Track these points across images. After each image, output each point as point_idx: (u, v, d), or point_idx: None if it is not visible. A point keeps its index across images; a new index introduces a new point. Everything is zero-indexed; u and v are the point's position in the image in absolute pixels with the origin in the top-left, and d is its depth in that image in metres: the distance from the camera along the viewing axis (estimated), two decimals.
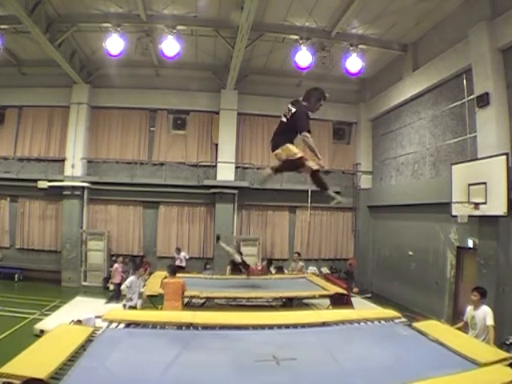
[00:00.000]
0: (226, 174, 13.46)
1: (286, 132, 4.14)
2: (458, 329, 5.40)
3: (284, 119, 4.18)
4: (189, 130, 14.16)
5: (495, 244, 7.86)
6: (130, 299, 7.65)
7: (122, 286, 7.91)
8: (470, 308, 5.49)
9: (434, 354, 4.07)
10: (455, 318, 8.60)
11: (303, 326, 4.97)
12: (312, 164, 3.97)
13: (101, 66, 13.24)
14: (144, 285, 8.37)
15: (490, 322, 5.09)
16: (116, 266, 10.36)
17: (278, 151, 4.15)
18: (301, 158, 3.95)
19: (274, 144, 4.27)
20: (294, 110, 4.15)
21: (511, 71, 7.99)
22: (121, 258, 10.85)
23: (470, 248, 8.87)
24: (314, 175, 4.14)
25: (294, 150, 4.02)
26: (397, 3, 9.34)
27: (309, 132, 4.01)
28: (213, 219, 13.57)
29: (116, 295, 9.60)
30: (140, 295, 7.93)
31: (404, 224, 11.82)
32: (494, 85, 8.04)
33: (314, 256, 14.09)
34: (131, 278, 7.81)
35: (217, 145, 13.76)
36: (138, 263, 9.81)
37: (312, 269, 13.26)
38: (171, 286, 7.09)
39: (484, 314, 5.18)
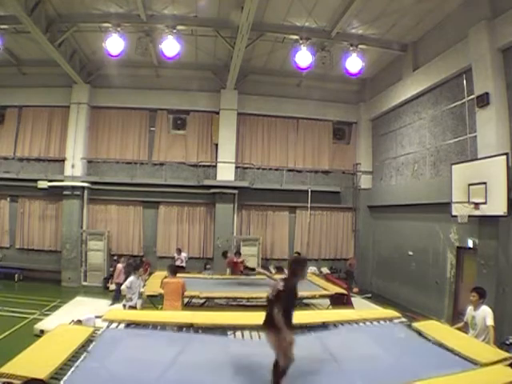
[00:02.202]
0: (225, 173, 13.47)
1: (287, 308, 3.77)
2: (458, 329, 5.40)
3: (271, 297, 3.79)
4: (189, 130, 14.16)
5: (495, 244, 7.86)
6: (130, 299, 7.63)
7: (122, 287, 7.91)
8: (470, 308, 5.48)
9: (433, 354, 4.08)
10: (455, 318, 8.60)
11: (303, 325, 4.97)
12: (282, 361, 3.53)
13: (101, 66, 13.25)
14: (144, 285, 8.38)
15: (490, 322, 5.09)
16: (119, 265, 10.31)
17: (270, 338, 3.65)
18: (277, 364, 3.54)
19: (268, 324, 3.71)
20: (282, 285, 3.82)
21: (511, 71, 7.99)
22: (123, 258, 10.80)
23: (470, 248, 8.87)
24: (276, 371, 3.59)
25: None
26: (397, 3, 9.34)
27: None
28: (213, 219, 13.57)
29: (117, 296, 9.59)
30: (140, 295, 7.93)
31: (404, 224, 11.82)
32: (494, 85, 8.04)
33: (314, 256, 14.09)
34: (131, 278, 7.79)
35: (217, 145, 13.77)
36: (139, 263, 9.79)
37: (312, 269, 13.25)
38: (171, 285, 7.09)
39: (484, 314, 5.18)
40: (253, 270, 9.18)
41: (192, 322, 4.84)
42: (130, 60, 12.08)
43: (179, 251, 12.50)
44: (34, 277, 12.74)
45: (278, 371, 3.55)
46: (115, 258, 12.01)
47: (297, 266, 3.94)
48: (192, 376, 3.57)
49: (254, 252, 13.18)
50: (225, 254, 11.51)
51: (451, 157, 9.72)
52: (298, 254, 12.33)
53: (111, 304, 9.21)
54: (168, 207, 13.79)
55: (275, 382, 3.54)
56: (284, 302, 3.70)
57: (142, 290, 8.00)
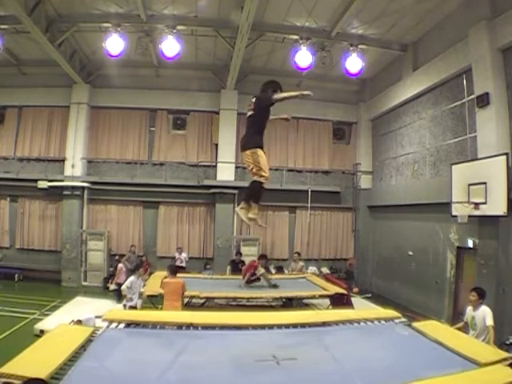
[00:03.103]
0: (225, 173, 13.47)
1: (254, 126, 4.27)
2: (458, 329, 5.40)
3: (249, 113, 4.29)
4: (189, 130, 14.16)
5: (495, 244, 7.86)
6: (131, 299, 7.64)
7: (123, 287, 7.88)
8: (469, 308, 5.49)
9: (433, 354, 4.07)
10: (455, 317, 8.60)
11: (303, 325, 4.97)
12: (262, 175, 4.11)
13: (101, 66, 13.25)
14: (144, 285, 8.37)
15: (490, 322, 5.09)
16: (120, 265, 10.26)
17: (247, 153, 4.15)
18: (261, 182, 4.10)
19: (244, 143, 4.25)
20: (254, 99, 4.28)
21: (511, 71, 7.99)
22: (124, 258, 10.74)
23: (470, 248, 8.87)
24: (258, 186, 4.24)
25: (262, 161, 4.13)
26: (397, 3, 9.34)
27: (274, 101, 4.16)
28: (213, 219, 13.57)
29: (118, 295, 9.53)
30: (140, 295, 7.92)
31: (404, 224, 11.82)
32: (494, 85, 8.04)
33: (314, 256, 14.09)
34: (131, 278, 7.80)
35: (217, 145, 13.77)
36: (139, 263, 9.74)
37: (312, 269, 13.25)
38: (171, 285, 7.09)
39: (483, 315, 5.18)
40: (258, 279, 9.10)
41: (192, 322, 4.83)
42: (130, 60, 12.07)
43: (180, 250, 12.51)
44: (33, 277, 12.75)
45: (254, 187, 4.17)
46: (117, 257, 11.95)
47: (269, 84, 4.30)
48: (192, 376, 3.57)
49: (253, 252, 13.15)
50: (237, 262, 11.44)
51: (451, 157, 9.72)
52: (298, 254, 12.33)
53: (117, 302, 9.14)
54: (168, 207, 13.79)
55: (252, 196, 4.20)
56: (256, 119, 4.24)
57: (142, 290, 8.00)
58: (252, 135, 4.25)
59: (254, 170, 4.14)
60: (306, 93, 4.19)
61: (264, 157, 4.18)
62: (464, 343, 4.27)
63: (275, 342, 4.49)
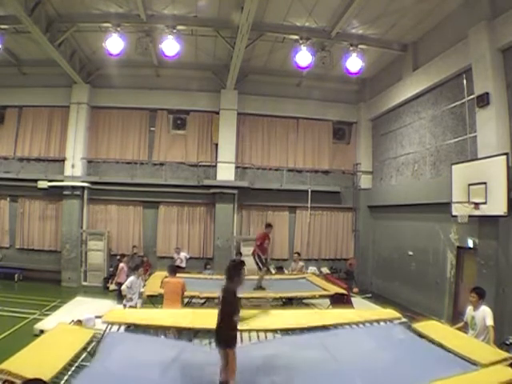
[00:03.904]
0: (225, 173, 13.46)
1: (228, 316, 3.69)
2: (458, 329, 5.40)
3: (219, 306, 3.86)
4: (189, 130, 14.16)
5: (495, 244, 7.86)
6: (130, 299, 7.62)
7: (123, 287, 7.85)
8: (469, 308, 5.48)
9: (434, 354, 4.07)
10: (455, 318, 8.59)
11: (303, 325, 4.97)
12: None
13: (101, 65, 13.25)
14: (144, 285, 8.36)
15: (490, 322, 5.09)
16: (121, 265, 10.21)
17: (220, 350, 3.72)
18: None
19: (219, 340, 3.74)
20: (223, 291, 3.86)
21: (511, 71, 7.98)
22: (126, 258, 10.66)
23: (470, 248, 8.87)
24: None
25: (232, 363, 3.61)
26: (397, 3, 9.34)
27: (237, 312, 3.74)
28: (213, 219, 13.57)
29: (118, 296, 9.47)
30: (140, 295, 7.92)
31: (404, 224, 11.82)
32: (494, 85, 8.04)
33: (314, 256, 14.09)
34: (131, 278, 7.77)
35: (217, 145, 13.76)
36: (139, 263, 9.69)
37: (312, 269, 13.25)
38: (171, 285, 7.09)
39: (483, 315, 5.18)
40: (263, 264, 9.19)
41: (192, 321, 4.83)
42: (130, 60, 12.07)
43: (178, 250, 12.49)
44: (33, 277, 12.73)
45: None
46: (118, 257, 11.83)
47: (233, 271, 3.87)
48: (192, 376, 3.57)
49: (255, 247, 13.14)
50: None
51: (451, 157, 9.71)
52: (298, 254, 12.34)
53: (118, 303, 9.08)
54: (168, 207, 13.79)
55: None
56: (226, 310, 3.68)
57: (142, 290, 7.99)
58: (226, 331, 3.67)
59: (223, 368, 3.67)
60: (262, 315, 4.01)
61: (235, 359, 3.62)
62: (464, 343, 4.28)
63: (275, 342, 4.49)
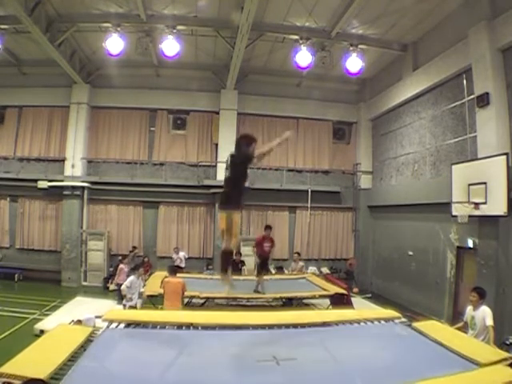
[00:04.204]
0: (225, 174, 13.45)
1: (235, 184, 4.00)
2: (458, 329, 5.40)
3: (226, 172, 4.19)
4: (189, 130, 14.16)
5: (495, 244, 7.86)
6: (130, 299, 7.62)
7: (122, 287, 7.84)
8: (469, 308, 5.49)
9: (433, 354, 4.07)
10: (455, 318, 8.60)
11: (303, 326, 4.96)
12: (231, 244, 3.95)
13: (101, 66, 13.25)
14: (144, 285, 8.37)
15: (490, 322, 5.09)
16: (121, 266, 10.12)
17: (223, 214, 3.97)
18: (231, 251, 3.97)
19: (224, 203, 4.02)
20: (230, 158, 4.11)
21: (511, 71, 7.99)
22: (127, 259, 10.62)
23: (470, 248, 8.87)
24: (229, 256, 4.12)
25: (235, 227, 3.91)
26: (397, 3, 9.34)
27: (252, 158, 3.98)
28: (213, 219, 13.57)
29: (119, 296, 9.42)
30: (140, 295, 7.92)
31: (404, 224, 11.82)
32: (494, 85, 8.04)
33: (314, 256, 14.09)
34: (131, 278, 7.78)
35: (217, 145, 13.77)
36: (139, 263, 9.69)
37: (312, 269, 13.25)
38: (171, 285, 7.09)
39: (483, 315, 5.18)
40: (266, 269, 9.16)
41: (192, 322, 4.83)
42: (130, 60, 12.07)
43: (177, 250, 12.49)
44: (33, 277, 12.73)
45: (226, 254, 3.98)
46: (120, 258, 11.75)
47: (241, 139, 4.13)
48: (192, 376, 3.57)
49: (253, 250, 13.15)
50: (237, 262, 11.25)
51: (451, 157, 9.72)
52: (298, 254, 12.33)
53: (118, 303, 9.03)
54: (168, 207, 13.79)
55: (223, 266, 4.03)
56: (235, 177, 4.01)
57: (142, 290, 7.99)
58: (231, 195, 3.98)
59: (223, 235, 3.93)
60: (286, 136, 4.13)
61: (238, 222, 3.98)
62: (464, 343, 4.27)
63: (275, 341, 4.49)
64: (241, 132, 13.91)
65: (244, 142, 4.08)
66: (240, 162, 3.98)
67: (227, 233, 3.86)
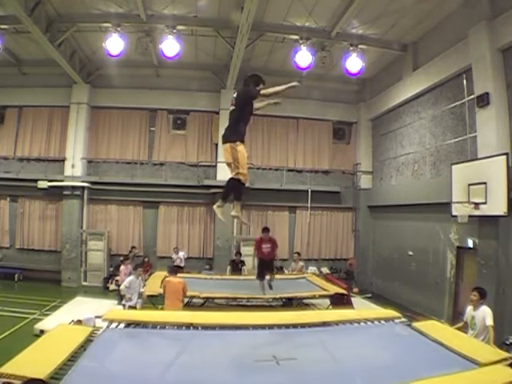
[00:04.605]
0: (226, 173, 13.20)
1: (237, 119, 4.13)
2: (458, 329, 5.40)
3: (231, 108, 4.20)
4: (189, 130, 14.16)
5: (495, 244, 7.86)
6: (130, 299, 7.59)
7: (121, 286, 7.81)
8: (469, 308, 5.49)
9: (433, 353, 4.07)
10: (455, 318, 8.60)
11: (303, 325, 4.97)
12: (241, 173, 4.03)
13: (101, 66, 13.25)
14: (144, 285, 8.36)
15: (490, 322, 5.09)
16: (122, 267, 9.89)
17: (227, 147, 4.07)
18: (239, 178, 4.03)
19: (226, 135, 4.15)
20: (235, 94, 4.22)
21: (511, 71, 7.99)
22: (128, 260, 10.57)
23: (470, 248, 8.87)
24: (236, 183, 4.17)
25: (241, 158, 4.01)
26: (397, 3, 9.33)
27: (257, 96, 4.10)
28: (213, 219, 13.56)
29: (120, 297, 9.33)
30: (140, 295, 7.91)
31: (404, 224, 11.82)
32: (494, 85, 8.04)
33: (314, 256, 14.09)
34: (130, 278, 7.75)
35: (217, 145, 13.75)
36: (138, 263, 9.65)
37: (312, 269, 13.25)
38: (172, 285, 7.08)
39: (483, 315, 5.18)
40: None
41: (192, 322, 4.83)
42: (130, 60, 12.06)
43: (177, 250, 12.50)
44: (33, 277, 12.72)
45: (232, 185, 4.15)
46: (121, 258, 11.69)
47: (251, 78, 4.21)
48: (192, 376, 3.57)
49: (253, 252, 13.15)
50: (237, 262, 11.25)
51: (451, 157, 9.72)
52: (298, 254, 12.33)
53: (118, 304, 8.91)
54: (168, 207, 13.79)
55: (231, 193, 4.27)
56: (239, 113, 4.09)
57: (141, 289, 7.98)
58: (233, 128, 4.11)
59: (232, 167, 4.06)
60: (293, 84, 4.11)
61: (244, 153, 4.05)
62: (464, 343, 4.27)
63: (275, 342, 4.49)
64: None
65: (252, 80, 4.20)
66: (245, 96, 4.10)
67: (234, 165, 3.96)
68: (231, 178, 4.16)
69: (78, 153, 13.29)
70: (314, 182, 14.17)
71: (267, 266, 8.55)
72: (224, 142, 4.10)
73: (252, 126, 14.17)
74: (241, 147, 4.00)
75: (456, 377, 3.41)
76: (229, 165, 4.11)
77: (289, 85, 4.12)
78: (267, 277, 8.41)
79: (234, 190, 4.27)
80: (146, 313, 5.87)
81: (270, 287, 8.34)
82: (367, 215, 14.18)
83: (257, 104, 4.41)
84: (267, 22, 10.44)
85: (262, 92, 4.09)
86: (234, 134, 4.04)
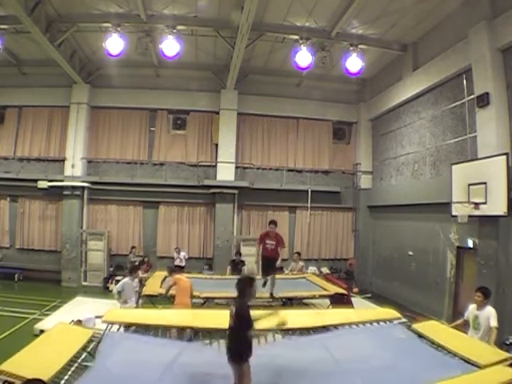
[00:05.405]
0: (225, 173, 13.46)
1: (239, 336, 3.60)
2: (457, 326, 5.39)
3: (231, 322, 3.73)
4: (189, 130, 14.16)
5: (495, 244, 7.86)
6: (125, 302, 7.09)
7: (114, 290, 7.24)
8: (472, 307, 5.44)
9: (433, 355, 4.07)
10: (455, 318, 8.55)
11: (303, 326, 4.96)
12: None
13: (101, 66, 13.25)
14: (144, 285, 8.31)
15: (494, 323, 5.07)
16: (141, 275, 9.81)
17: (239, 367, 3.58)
18: None
19: (231, 354, 3.62)
20: (235, 310, 3.77)
21: (511, 71, 7.98)
22: (144, 266, 10.48)
23: (470, 248, 8.86)
24: None
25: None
26: (397, 3, 9.33)
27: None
28: (213, 219, 13.57)
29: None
30: (139, 297, 7.76)
31: (404, 224, 11.82)
32: (494, 85, 8.04)
33: (314, 256, 14.09)
34: (125, 280, 7.27)
35: (217, 145, 13.76)
36: (137, 265, 9.43)
37: (312, 269, 13.25)
38: (184, 283, 7.07)
39: (488, 315, 5.15)
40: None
41: (192, 322, 4.83)
42: (130, 60, 12.06)
43: (178, 250, 12.51)
44: (33, 277, 12.73)
45: None
46: (137, 263, 11.49)
47: (244, 286, 3.79)
48: (192, 376, 3.57)
49: (253, 252, 13.15)
50: (237, 262, 11.06)
51: (451, 157, 9.72)
52: (298, 254, 12.32)
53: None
54: (168, 207, 13.79)
55: None
56: (238, 326, 3.59)
57: (137, 289, 7.70)
58: (238, 346, 3.57)
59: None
60: (279, 325, 3.80)
61: (249, 374, 3.50)
62: (464, 344, 4.27)
63: (275, 341, 4.49)
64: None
65: (245, 286, 3.80)
66: (246, 307, 3.69)
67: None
68: None
69: (77, 153, 13.29)
70: (314, 181, 14.18)
71: (268, 264, 7.77)
72: (229, 359, 3.60)
73: (252, 125, 14.21)
74: (247, 370, 3.52)
75: (456, 379, 3.41)
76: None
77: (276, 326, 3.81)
78: (268, 280, 7.75)
79: None
80: (146, 313, 5.85)
81: (264, 285, 7.67)
82: (367, 215, 14.18)
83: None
84: (267, 21, 10.44)
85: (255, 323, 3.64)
86: (242, 355, 3.53)
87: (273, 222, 7.89)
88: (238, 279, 3.92)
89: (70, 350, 3.67)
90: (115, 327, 4.70)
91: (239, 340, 3.53)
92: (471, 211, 8.02)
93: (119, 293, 7.10)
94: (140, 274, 8.71)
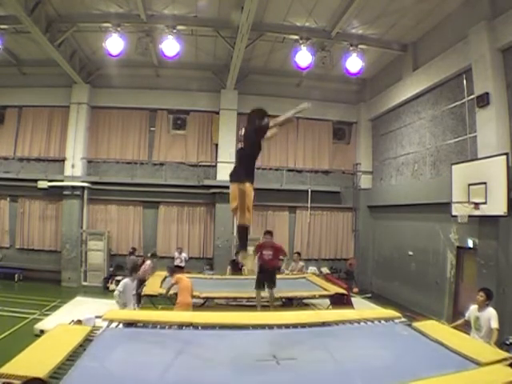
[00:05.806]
0: (226, 174, 13.25)
1: (247, 157, 3.86)
2: (457, 326, 5.39)
3: (239, 145, 3.98)
4: (189, 130, 14.17)
5: (495, 244, 7.86)
6: (124, 304, 6.93)
7: (115, 292, 7.07)
8: (473, 307, 5.44)
9: (433, 353, 4.07)
10: (455, 318, 8.57)
11: (303, 325, 4.96)
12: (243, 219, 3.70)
13: (101, 66, 13.25)
14: (144, 285, 8.32)
15: (495, 325, 5.07)
16: (148, 262, 9.81)
17: (234, 186, 3.78)
18: (244, 224, 3.75)
19: (234, 175, 3.88)
20: (243, 131, 3.96)
21: (511, 71, 7.99)
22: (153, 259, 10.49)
23: (470, 248, 8.87)
24: (241, 229, 3.84)
25: (248, 201, 3.69)
26: (397, 3, 9.34)
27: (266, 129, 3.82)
28: (213, 219, 13.57)
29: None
30: (139, 298, 7.74)
31: (404, 224, 11.82)
32: (494, 85, 8.04)
33: (314, 256, 14.09)
34: (125, 281, 7.14)
35: (217, 145, 13.77)
36: (136, 265, 9.34)
37: (312, 269, 13.23)
38: (185, 282, 7.09)
39: (489, 316, 5.15)
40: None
41: (192, 321, 4.83)
42: (130, 60, 12.07)
43: (180, 250, 12.51)
44: (33, 277, 12.74)
45: (242, 229, 3.82)
46: (148, 254, 11.48)
47: (253, 113, 3.95)
48: (192, 376, 3.56)
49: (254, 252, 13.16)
50: (237, 262, 10.87)
51: (451, 157, 9.72)
52: (298, 254, 12.31)
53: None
54: (168, 207, 13.79)
55: (241, 242, 3.89)
56: (247, 151, 3.88)
57: (134, 292, 7.65)
58: (242, 167, 3.84)
59: (237, 211, 3.71)
60: (303, 106, 3.90)
61: (251, 195, 3.70)
62: (464, 343, 4.27)
63: (275, 342, 4.49)
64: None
65: (256, 116, 3.93)
66: (258, 133, 3.82)
67: (240, 207, 3.66)
68: (240, 227, 3.88)
69: (77, 153, 13.30)
70: (313, 182, 14.18)
71: (267, 275, 7.31)
72: (231, 181, 3.81)
73: None
74: (250, 189, 3.69)
75: (456, 376, 3.40)
76: (234, 210, 3.80)
77: (298, 108, 3.90)
78: (267, 289, 7.28)
79: (245, 237, 3.91)
80: (145, 313, 5.86)
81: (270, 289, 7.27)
82: (367, 215, 14.18)
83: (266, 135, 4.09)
84: (267, 21, 10.44)
85: (272, 124, 3.85)
86: (243, 174, 3.76)
87: (268, 233, 7.83)
88: (251, 110, 4.06)
89: (69, 350, 3.66)
90: (115, 325, 4.69)
91: (243, 161, 3.82)
92: (471, 211, 8.03)
93: (120, 293, 7.00)
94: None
